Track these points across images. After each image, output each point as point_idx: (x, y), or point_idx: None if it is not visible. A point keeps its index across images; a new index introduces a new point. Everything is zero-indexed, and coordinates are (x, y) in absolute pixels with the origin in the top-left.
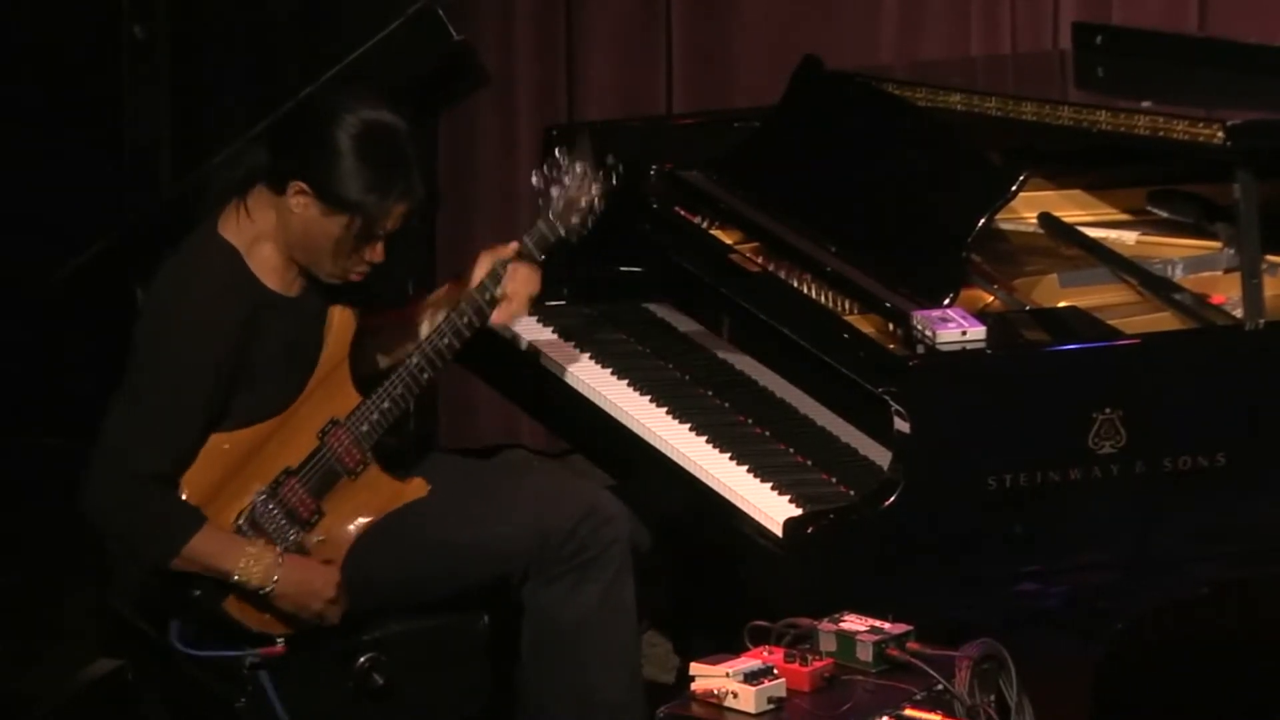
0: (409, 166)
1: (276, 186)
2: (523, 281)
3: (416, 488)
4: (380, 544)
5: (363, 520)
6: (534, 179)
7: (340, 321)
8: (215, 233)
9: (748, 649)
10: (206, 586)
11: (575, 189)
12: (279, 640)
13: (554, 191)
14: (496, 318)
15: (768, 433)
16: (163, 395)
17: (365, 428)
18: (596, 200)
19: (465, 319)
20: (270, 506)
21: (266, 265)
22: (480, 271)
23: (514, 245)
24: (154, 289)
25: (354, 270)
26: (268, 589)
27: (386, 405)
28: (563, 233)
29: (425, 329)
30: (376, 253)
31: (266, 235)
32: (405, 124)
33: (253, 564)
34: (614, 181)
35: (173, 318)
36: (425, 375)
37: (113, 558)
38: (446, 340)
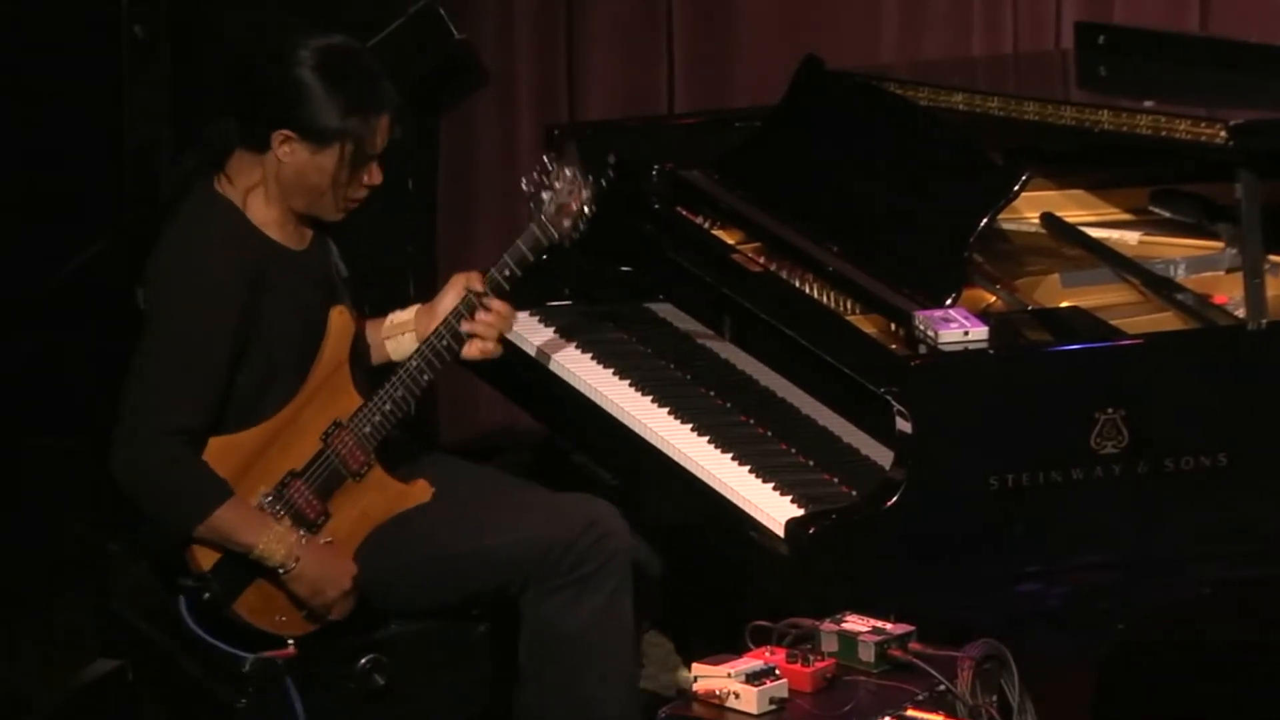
0: (377, 78)
1: (258, 145)
2: (496, 318)
3: (421, 490)
4: (381, 551)
5: (369, 522)
6: (524, 184)
7: (339, 324)
8: (213, 192)
9: (750, 649)
10: (216, 589)
11: (566, 193)
12: (289, 642)
13: (545, 196)
14: (469, 352)
15: (770, 433)
16: (184, 349)
17: (368, 429)
18: (587, 205)
19: (461, 322)
20: (277, 508)
21: (265, 220)
22: (459, 284)
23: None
24: (161, 252)
25: (355, 198)
26: (289, 568)
27: (388, 407)
28: (556, 236)
29: (393, 348)
30: (374, 175)
31: (257, 193)
32: (356, 41)
33: (276, 541)
34: (603, 185)
35: (187, 274)
36: (425, 377)
37: (114, 556)
38: (445, 342)
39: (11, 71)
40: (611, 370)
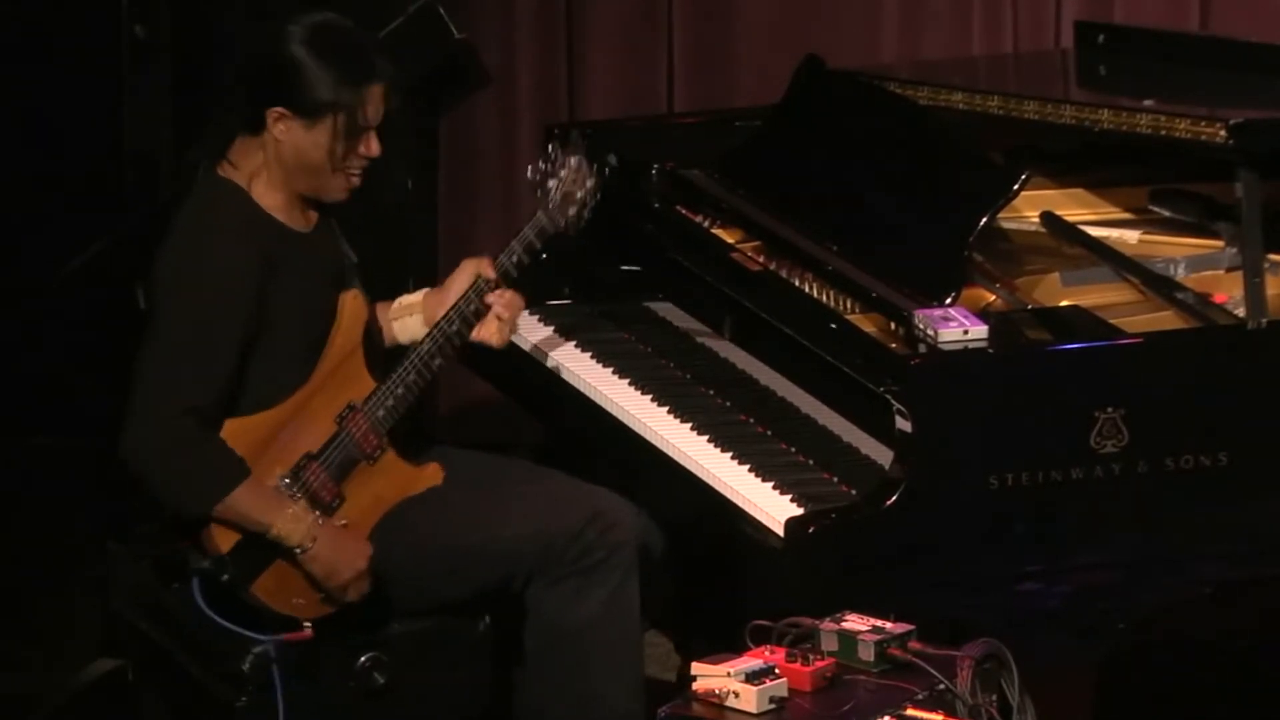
0: (366, 49)
1: (255, 127)
2: (507, 304)
3: (432, 473)
4: (387, 543)
5: (382, 506)
6: (529, 173)
7: (353, 308)
8: (217, 177)
9: (749, 648)
10: (234, 571)
11: (571, 182)
12: (306, 625)
13: (550, 184)
14: (478, 335)
15: (769, 432)
16: (195, 330)
17: (381, 413)
18: (591, 195)
19: (472, 306)
20: (294, 490)
21: (272, 204)
22: (470, 270)
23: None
24: (171, 239)
25: (355, 171)
26: (306, 548)
27: (401, 391)
28: (562, 224)
29: (400, 329)
30: (371, 147)
31: (261, 178)
32: (346, 18)
33: (292, 522)
34: (607, 174)
35: (197, 256)
36: (436, 361)
37: (114, 556)
38: (455, 327)
39: (12, 71)
40: (611, 369)
